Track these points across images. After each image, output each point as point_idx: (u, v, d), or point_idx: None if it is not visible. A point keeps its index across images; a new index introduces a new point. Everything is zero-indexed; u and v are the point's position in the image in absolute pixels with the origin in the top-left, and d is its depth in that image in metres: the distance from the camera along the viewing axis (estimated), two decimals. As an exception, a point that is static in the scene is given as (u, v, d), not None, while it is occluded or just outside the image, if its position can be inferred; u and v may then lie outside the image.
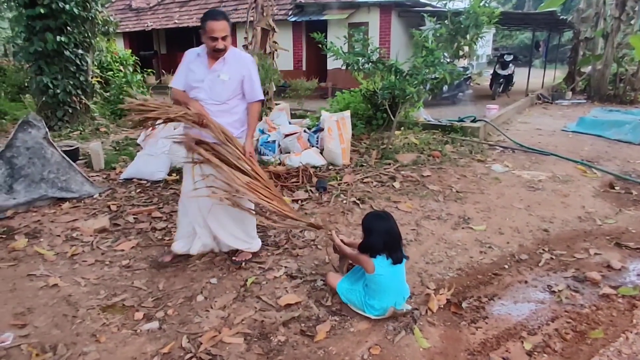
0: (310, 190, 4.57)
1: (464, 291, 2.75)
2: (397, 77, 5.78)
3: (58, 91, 7.43)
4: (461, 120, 7.75)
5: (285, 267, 3.07)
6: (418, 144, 6.36)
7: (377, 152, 5.94)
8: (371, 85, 6.72)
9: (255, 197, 2.66)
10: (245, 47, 7.53)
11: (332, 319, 2.46)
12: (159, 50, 18.43)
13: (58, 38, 7.15)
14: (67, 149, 5.31)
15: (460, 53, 6.06)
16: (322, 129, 5.71)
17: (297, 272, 3.00)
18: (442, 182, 4.93)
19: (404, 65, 5.89)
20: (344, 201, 4.30)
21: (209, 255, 3.20)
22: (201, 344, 2.26)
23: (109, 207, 4.17)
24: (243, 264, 3.09)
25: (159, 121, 2.73)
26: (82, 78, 7.80)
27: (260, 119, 3.04)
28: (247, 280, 2.89)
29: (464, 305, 2.57)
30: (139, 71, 10.26)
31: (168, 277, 2.95)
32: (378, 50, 5.92)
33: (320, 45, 5.93)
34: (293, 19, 14.51)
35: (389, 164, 5.53)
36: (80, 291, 2.77)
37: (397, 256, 2.37)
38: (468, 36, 5.72)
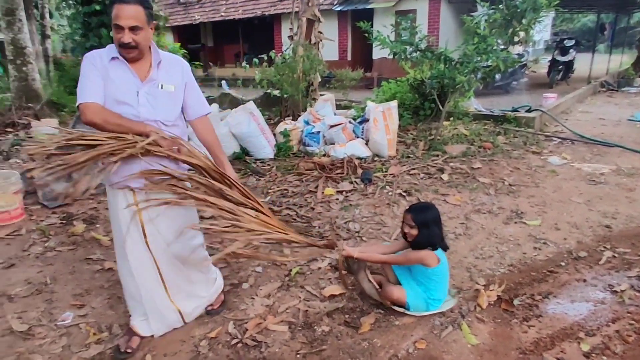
0: (355, 181, 4.56)
1: (515, 288, 2.65)
2: (447, 66, 5.61)
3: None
4: (515, 110, 7.42)
5: (330, 258, 3.08)
6: (468, 135, 6.16)
7: (425, 144, 5.82)
8: (419, 74, 6.57)
9: (270, 234, 2.02)
10: (291, 37, 7.58)
11: (376, 312, 2.45)
12: (206, 43, 18.94)
13: (111, 33, 7.52)
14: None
15: (516, 39, 5.79)
16: (368, 120, 5.66)
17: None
18: (493, 174, 4.76)
19: (454, 53, 5.71)
20: (390, 193, 4.25)
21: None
22: (247, 330, 2.33)
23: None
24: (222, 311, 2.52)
25: (113, 158, 1.79)
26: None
27: None
28: (291, 270, 2.93)
29: (515, 302, 2.48)
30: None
31: (216, 264, 3.05)
32: (426, 38, 5.78)
33: (365, 35, 5.86)
34: (338, 9, 14.43)
35: (437, 155, 5.40)
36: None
37: (445, 243, 2.42)
38: (524, 21, 5.44)
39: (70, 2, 7.94)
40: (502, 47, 5.76)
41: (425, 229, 2.31)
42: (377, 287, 2.42)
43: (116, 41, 1.88)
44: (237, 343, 2.24)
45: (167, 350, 2.21)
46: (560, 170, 4.91)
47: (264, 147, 5.48)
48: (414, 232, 2.32)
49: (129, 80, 1.93)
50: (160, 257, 2.13)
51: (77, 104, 1.86)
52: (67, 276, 2.92)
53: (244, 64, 10.73)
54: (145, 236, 2.05)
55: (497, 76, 9.37)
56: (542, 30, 21.14)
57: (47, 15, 13.82)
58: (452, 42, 7.13)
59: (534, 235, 3.36)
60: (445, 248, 2.39)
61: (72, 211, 3.99)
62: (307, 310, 2.49)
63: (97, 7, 7.30)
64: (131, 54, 1.90)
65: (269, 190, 4.45)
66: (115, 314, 2.51)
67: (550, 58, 12.33)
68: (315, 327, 2.35)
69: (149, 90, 1.96)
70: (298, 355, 2.15)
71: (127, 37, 1.84)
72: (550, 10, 5.78)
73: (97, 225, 3.70)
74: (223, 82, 10.26)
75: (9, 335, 2.33)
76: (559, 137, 6.34)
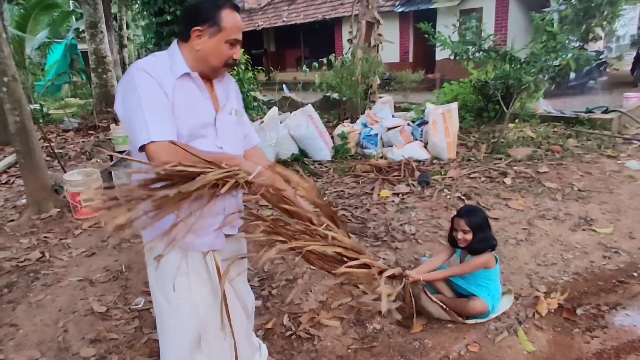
0: (412, 184, 4.56)
1: (579, 297, 2.55)
2: (512, 66, 5.43)
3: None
4: (589, 111, 6.98)
5: (384, 258, 3.13)
6: (535, 138, 5.91)
7: (487, 146, 5.66)
8: (482, 75, 6.41)
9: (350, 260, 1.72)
10: (350, 41, 7.70)
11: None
12: (269, 48, 19.60)
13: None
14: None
15: (590, 36, 5.49)
16: (427, 122, 5.62)
17: (395, 264, 3.05)
18: (561, 179, 4.54)
19: (520, 52, 5.52)
20: (448, 196, 4.21)
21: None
22: (301, 323, 2.45)
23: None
24: None
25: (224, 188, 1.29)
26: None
27: None
28: (345, 268, 3.02)
29: (578, 311, 2.39)
30: (250, 69, 11.08)
31: (273, 260, 3.22)
32: (491, 37, 5.63)
33: (427, 36, 5.83)
34: (400, 10, 14.36)
35: (500, 158, 5.24)
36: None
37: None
38: (600, 16, 5.15)
39: (145, 13, 8.61)
40: (575, 44, 5.49)
41: (481, 232, 2.29)
42: (444, 306, 2.32)
43: (223, 58, 1.44)
44: (291, 335, 2.36)
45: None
46: (639, 175, 4.58)
47: (322, 149, 5.63)
48: (469, 236, 2.29)
49: (206, 108, 1.47)
50: (236, 323, 1.64)
51: (141, 143, 1.29)
52: (139, 266, 3.21)
53: (304, 67, 11.01)
54: (226, 305, 1.50)
55: (571, 75, 8.88)
56: (627, 24, 19.56)
57: (125, 27, 15.04)
58: (521, 41, 6.88)
59: (604, 244, 3.18)
60: (495, 246, 2.41)
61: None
62: (359, 308, 2.57)
63: (169, 17, 7.88)
64: (225, 71, 1.55)
65: (326, 192, 4.57)
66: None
67: (634, 54, 11.43)
68: (367, 325, 2.41)
69: (222, 117, 1.51)
70: (349, 350, 2.23)
71: (239, 52, 1.45)
72: (636, 3, 5.41)
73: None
74: (284, 85, 10.60)
75: (90, 315, 2.63)
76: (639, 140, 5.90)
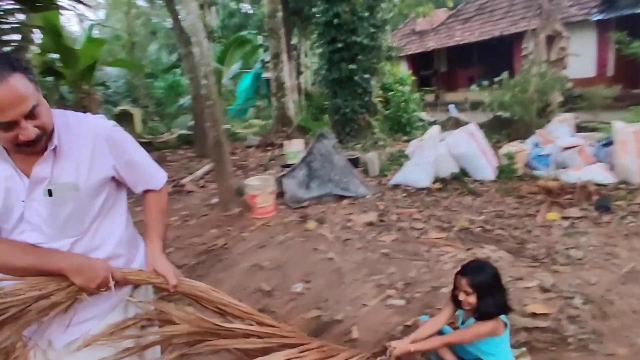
0: (587, 208, 4.24)
1: None
2: None
3: (347, 111, 9.25)
4: None
5: (540, 279, 3.07)
6: None
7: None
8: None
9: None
10: (525, 57, 7.45)
11: (579, 339, 2.38)
12: (439, 68, 19.74)
13: (350, 66, 8.97)
14: (350, 157, 6.62)
15: None
16: (613, 142, 5.12)
17: (552, 286, 2.96)
18: None
19: None
20: (632, 224, 3.81)
21: (457, 254, 3.53)
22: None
23: (377, 206, 5.04)
24: None
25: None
26: (366, 99, 9.45)
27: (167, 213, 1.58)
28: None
29: None
30: (417, 90, 11.47)
31: (419, 268, 3.44)
32: None
33: (620, 45, 5.35)
34: (597, 18, 13.04)
35: None
36: (348, 267, 3.58)
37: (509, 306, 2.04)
38: None
39: (320, 42, 9.80)
40: None
41: (488, 295, 1.92)
42: None
43: (6, 141, 1.20)
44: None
45: (369, 326, 2.71)
46: None
47: (484, 167, 5.59)
48: (472, 299, 1.93)
49: (15, 187, 1.27)
50: None
51: None
52: (299, 259, 3.79)
53: (473, 86, 10.91)
54: None
55: None
56: None
57: (303, 55, 17.08)
58: None
59: None
60: (509, 311, 2.01)
61: (309, 212, 5.01)
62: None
63: (339, 45, 8.86)
64: (38, 147, 1.24)
65: (484, 210, 4.57)
66: (331, 292, 3.18)
67: None
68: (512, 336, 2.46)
69: (39, 197, 1.29)
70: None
71: (28, 131, 1.17)
72: None
73: (325, 225, 4.57)
74: (451, 106, 10.66)
75: (258, 292, 3.27)
76: None
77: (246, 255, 3.97)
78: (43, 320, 1.26)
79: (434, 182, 5.59)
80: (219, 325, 1.45)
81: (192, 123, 11.30)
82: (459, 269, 2.02)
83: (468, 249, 3.68)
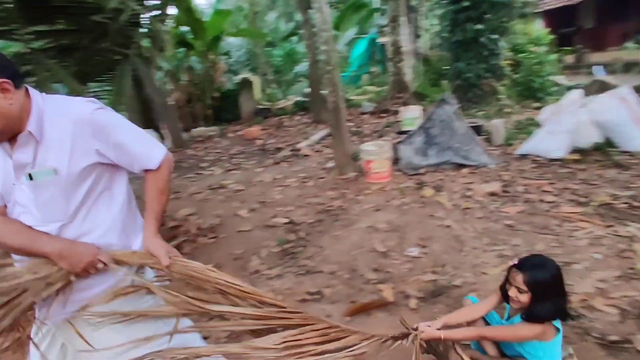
0: None
1: None
2: None
3: (470, 75, 8.79)
4: None
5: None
6: None
7: None
8: None
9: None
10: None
11: None
12: (584, 24, 17.62)
13: (476, 26, 8.44)
14: (472, 124, 6.35)
15: None
16: None
17: None
18: None
19: None
20: None
21: (596, 233, 3.27)
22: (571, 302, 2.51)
23: (500, 176, 4.82)
24: None
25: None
26: (493, 62, 8.85)
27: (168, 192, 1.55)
28: (637, 264, 2.81)
29: None
30: (554, 50, 10.44)
31: (548, 242, 3.27)
32: None
33: None
34: None
35: None
36: (467, 235, 3.53)
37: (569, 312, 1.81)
38: None
39: (442, 2, 9.35)
40: None
41: (545, 297, 1.70)
42: None
43: None
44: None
45: (489, 294, 2.68)
46: None
47: (635, 137, 4.99)
48: (524, 298, 1.73)
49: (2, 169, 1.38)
50: None
51: None
52: (415, 224, 3.82)
53: (628, 43, 9.57)
54: None
55: None
56: None
57: (422, 18, 16.46)
58: None
59: None
60: (566, 318, 1.78)
61: (425, 180, 4.97)
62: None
63: (466, 4, 8.36)
64: (2, 138, 1.34)
65: (632, 185, 4.13)
66: (449, 258, 3.19)
67: None
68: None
69: (20, 181, 1.38)
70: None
71: None
72: None
73: (442, 193, 4.51)
74: (596, 67, 9.55)
75: (373, 252, 3.40)
76: None
77: (362, 216, 4.11)
78: (42, 300, 1.36)
79: (571, 153, 5.14)
80: (203, 308, 1.41)
81: (308, 90, 11.69)
82: (515, 261, 1.79)
83: (608, 226, 3.39)
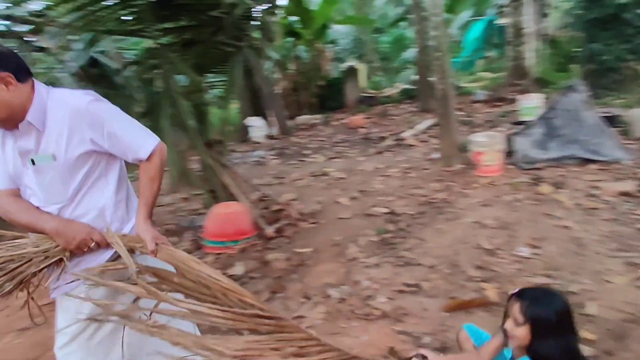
0: None
1: None
2: None
3: (608, 57, 7.88)
4: None
5: None
6: None
7: None
8: None
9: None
10: None
11: None
12: None
13: (618, 0, 7.51)
14: (605, 114, 5.72)
15: None
16: None
17: None
18: None
19: None
20: None
21: None
22: None
23: (636, 174, 4.31)
24: None
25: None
26: (638, 41, 7.83)
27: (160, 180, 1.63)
28: None
29: None
30: None
31: None
32: None
33: None
34: None
35: None
36: (590, 237, 3.22)
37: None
38: None
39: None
40: None
41: (547, 334, 1.46)
42: None
43: None
44: None
45: (611, 305, 2.43)
46: None
47: None
48: (520, 332, 1.49)
49: (10, 157, 1.56)
50: None
51: None
52: (527, 223, 3.57)
53: None
54: None
55: None
56: None
57: (550, -6, 15.10)
58: None
59: None
60: None
61: (543, 175, 4.61)
62: None
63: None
64: (6, 126, 1.50)
65: None
66: (565, 261, 2.95)
67: None
68: None
69: (24, 165, 1.55)
70: None
71: None
72: None
73: (564, 190, 4.15)
74: None
75: (478, 249, 3.26)
76: None
77: (468, 211, 3.94)
78: (42, 272, 1.53)
79: None
80: (159, 296, 1.39)
81: (415, 77, 11.41)
82: (515, 290, 1.61)
83: None
